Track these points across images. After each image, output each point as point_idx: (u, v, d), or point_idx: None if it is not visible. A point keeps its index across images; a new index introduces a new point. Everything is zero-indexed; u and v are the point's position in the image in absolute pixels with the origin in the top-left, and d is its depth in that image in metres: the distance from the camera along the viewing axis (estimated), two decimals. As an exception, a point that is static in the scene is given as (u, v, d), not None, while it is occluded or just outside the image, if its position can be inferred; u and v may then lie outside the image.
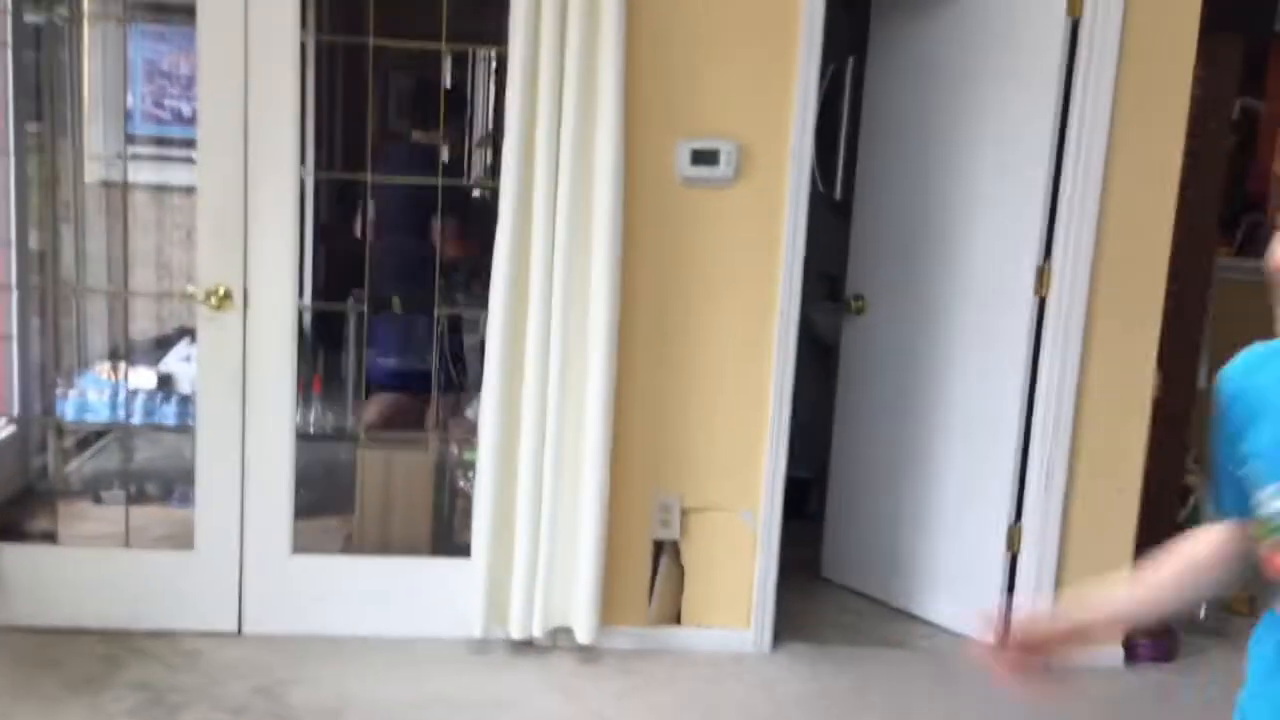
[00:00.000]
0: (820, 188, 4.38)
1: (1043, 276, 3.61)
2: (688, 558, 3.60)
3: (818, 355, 4.47)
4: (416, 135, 4.82)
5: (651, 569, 3.60)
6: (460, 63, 6.39)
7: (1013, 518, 3.73)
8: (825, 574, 4.25)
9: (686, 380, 3.51)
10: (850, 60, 4.55)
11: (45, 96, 4.47)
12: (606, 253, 3.32)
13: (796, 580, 3.93)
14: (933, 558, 3.93)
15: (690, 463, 3.55)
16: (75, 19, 4.67)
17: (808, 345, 3.76)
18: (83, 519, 4.00)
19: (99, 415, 4.47)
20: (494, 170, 6.28)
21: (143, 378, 4.60)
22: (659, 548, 3.60)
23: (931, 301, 3.88)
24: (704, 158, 3.40)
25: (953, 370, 3.85)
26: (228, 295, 3.37)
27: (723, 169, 3.40)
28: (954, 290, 3.83)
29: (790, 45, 3.37)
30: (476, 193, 5.29)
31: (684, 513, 3.57)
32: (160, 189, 5.16)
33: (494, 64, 6.54)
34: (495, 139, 6.06)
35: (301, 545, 3.57)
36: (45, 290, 4.57)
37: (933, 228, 3.88)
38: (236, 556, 3.49)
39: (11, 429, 4.14)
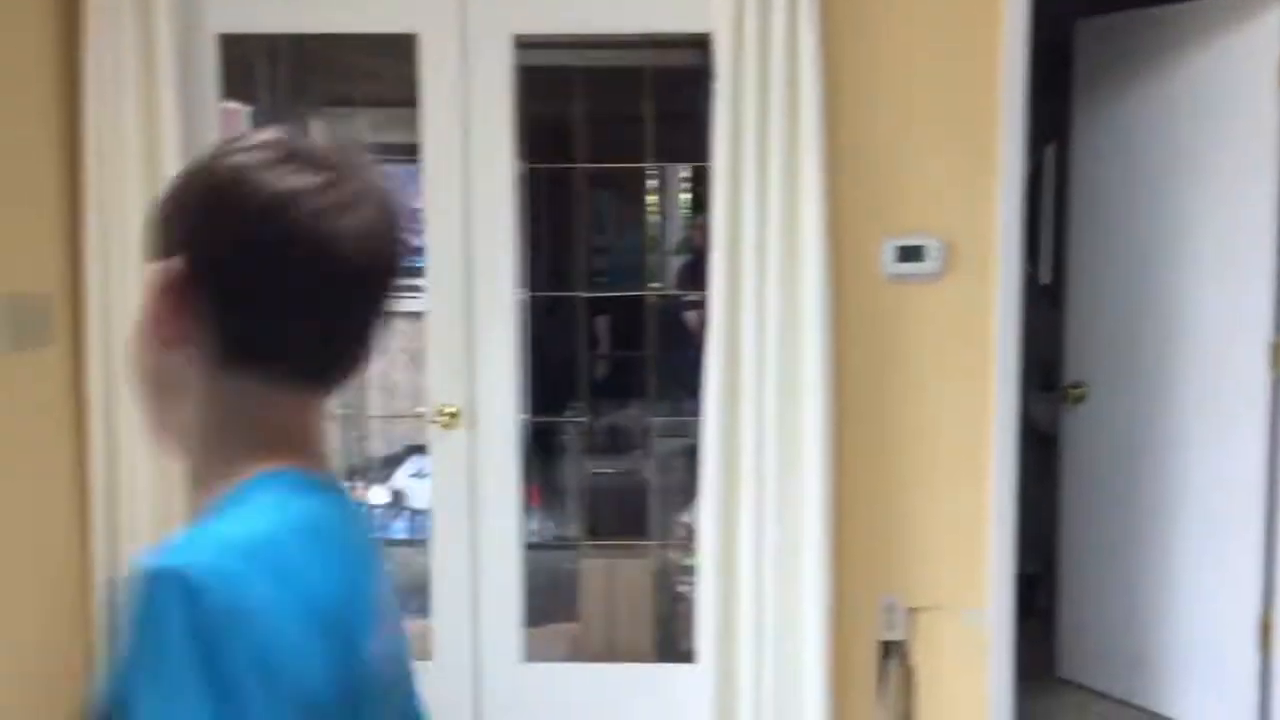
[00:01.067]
0: (1027, 271, 4.32)
1: (1277, 352, 3.45)
2: (916, 659, 3.53)
3: (1034, 444, 4.36)
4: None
5: (879, 671, 3.54)
6: (648, 178, 6.56)
7: (1262, 606, 3.52)
8: (1062, 674, 4.08)
9: (905, 477, 3.48)
10: (1052, 145, 4.51)
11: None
12: (817, 353, 3.34)
13: (1033, 681, 3.79)
14: (1178, 652, 3.74)
15: (913, 562, 3.50)
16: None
17: (1024, 435, 3.68)
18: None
19: (336, 532, 4.71)
20: (691, 276, 6.44)
21: (375, 495, 4.84)
22: (886, 649, 3.54)
23: (1156, 384, 3.76)
24: (910, 254, 3.41)
25: (1185, 454, 3.70)
26: (456, 414, 3.54)
27: (929, 264, 3.40)
28: (1180, 371, 3.70)
29: (992, 136, 3.37)
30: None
31: (910, 613, 3.51)
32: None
33: (683, 176, 6.73)
34: (690, 246, 6.21)
35: (531, 654, 3.67)
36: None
37: (1153, 308, 3.77)
38: (471, 665, 3.61)
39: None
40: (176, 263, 0.99)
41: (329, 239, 0.98)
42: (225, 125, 3.61)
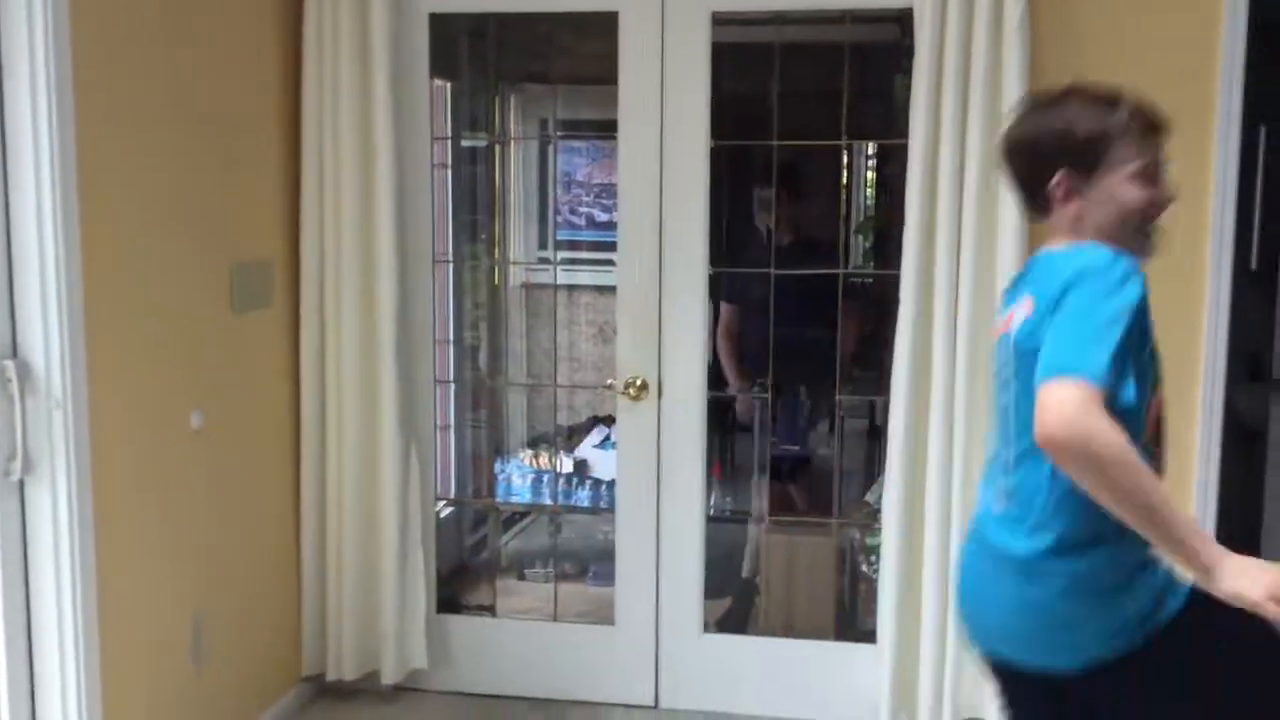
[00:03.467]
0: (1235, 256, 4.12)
1: None
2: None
3: (1238, 439, 4.17)
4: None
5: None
6: (833, 155, 6.49)
7: None
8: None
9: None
10: (1262, 127, 4.28)
11: (479, 210, 4.99)
12: (1011, 337, 3.28)
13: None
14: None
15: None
16: (504, 141, 5.18)
17: (1227, 430, 3.53)
18: (511, 594, 4.35)
19: (522, 498, 4.86)
20: (874, 255, 6.35)
21: (558, 463, 4.96)
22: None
23: (1377, 380, 3.55)
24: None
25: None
26: (644, 386, 3.60)
27: (1131, 246, 3.29)
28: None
29: (1206, 115, 3.24)
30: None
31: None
32: (571, 288, 5.58)
33: (868, 154, 6.63)
34: (878, 225, 6.12)
35: (710, 625, 3.72)
36: (478, 383, 5.05)
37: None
38: (653, 633, 3.68)
39: (449, 510, 4.57)
40: (1063, 173, 2.00)
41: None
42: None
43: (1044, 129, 2.04)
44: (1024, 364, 1.92)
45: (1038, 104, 2.12)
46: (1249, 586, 1.74)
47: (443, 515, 4.21)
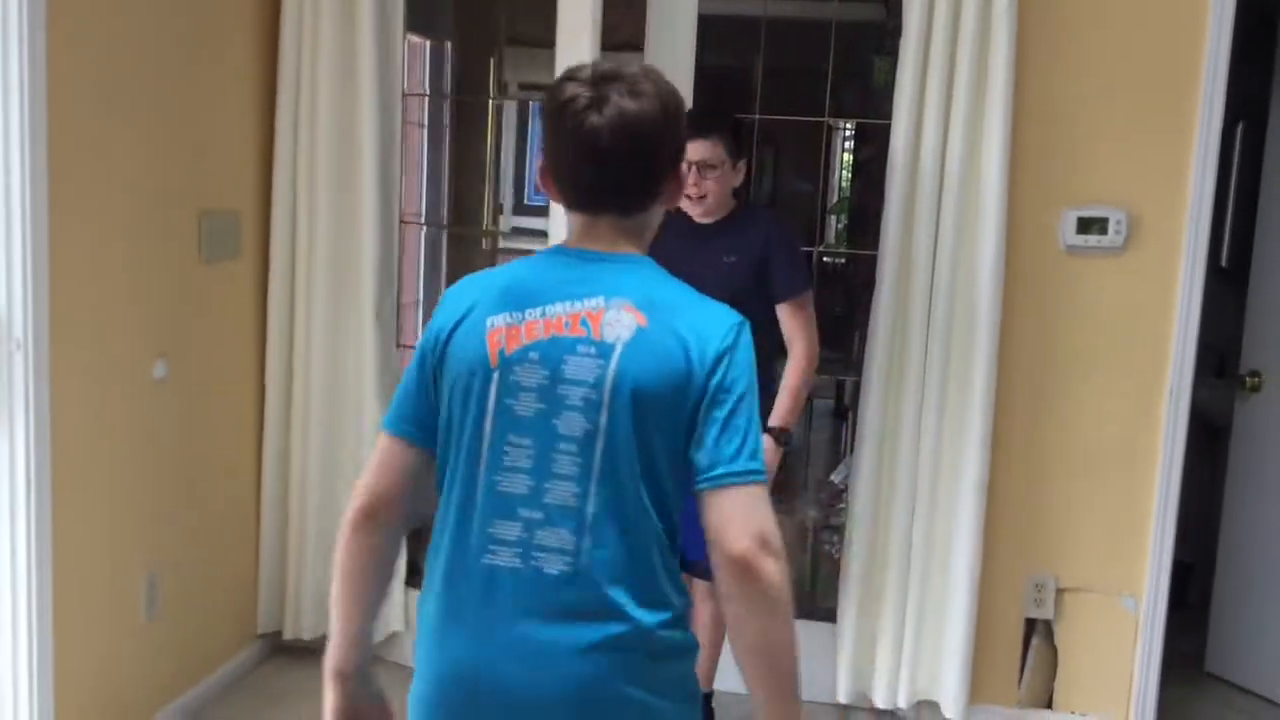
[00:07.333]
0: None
1: None
2: (1061, 639, 3.46)
3: (1200, 433, 4.21)
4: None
5: (1023, 648, 3.49)
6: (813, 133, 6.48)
7: None
8: (1210, 669, 3.97)
9: (1065, 455, 3.39)
10: (1240, 124, 4.31)
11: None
12: (986, 321, 3.28)
13: (1178, 673, 3.69)
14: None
15: (1067, 541, 3.42)
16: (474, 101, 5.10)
17: (1190, 422, 3.55)
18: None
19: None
20: (848, 235, 6.35)
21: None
22: (1031, 626, 3.48)
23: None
24: (1090, 225, 3.31)
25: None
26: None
27: (1111, 237, 3.30)
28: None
29: (1190, 106, 3.24)
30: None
31: (1059, 592, 3.45)
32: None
33: (845, 133, 6.62)
34: (855, 204, 6.12)
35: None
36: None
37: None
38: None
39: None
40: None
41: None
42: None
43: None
44: None
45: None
46: None
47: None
